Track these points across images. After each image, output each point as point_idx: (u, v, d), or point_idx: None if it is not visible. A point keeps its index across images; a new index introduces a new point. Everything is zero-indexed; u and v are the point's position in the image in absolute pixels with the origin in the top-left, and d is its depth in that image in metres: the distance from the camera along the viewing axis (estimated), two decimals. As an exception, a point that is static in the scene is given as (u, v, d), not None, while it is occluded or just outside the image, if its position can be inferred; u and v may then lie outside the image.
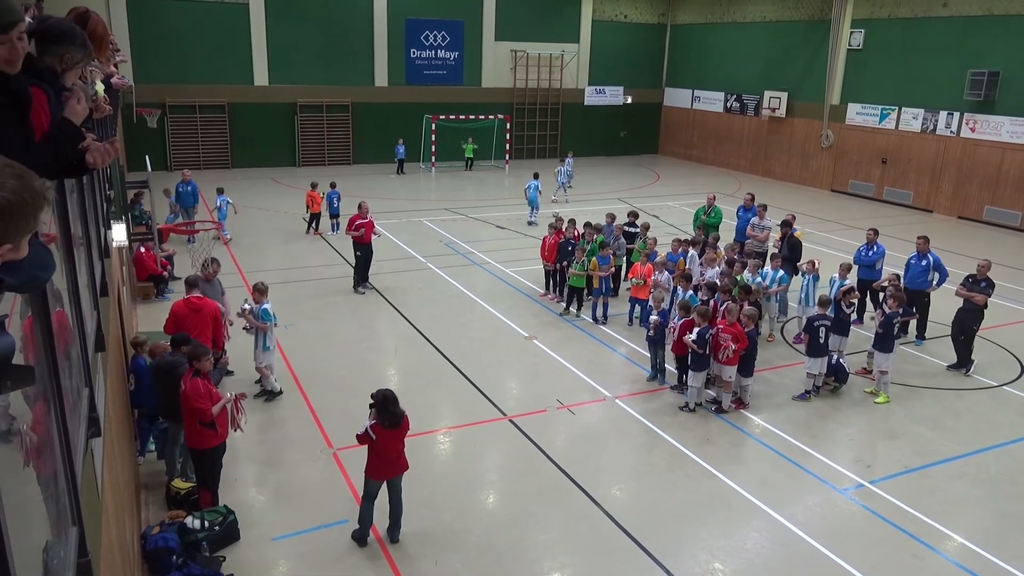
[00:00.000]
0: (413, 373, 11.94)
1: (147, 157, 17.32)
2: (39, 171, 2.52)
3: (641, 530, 8.05)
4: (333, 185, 20.27)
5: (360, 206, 15.44)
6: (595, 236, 14.98)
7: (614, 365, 12.49)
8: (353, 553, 7.58)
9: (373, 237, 15.40)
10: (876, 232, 14.32)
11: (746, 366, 10.75)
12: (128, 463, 7.23)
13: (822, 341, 11.15)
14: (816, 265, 13.60)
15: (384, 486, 7.67)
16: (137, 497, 7.93)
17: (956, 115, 24.86)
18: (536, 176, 22.42)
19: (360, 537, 7.68)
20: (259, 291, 10.66)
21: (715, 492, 8.86)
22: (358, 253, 15.38)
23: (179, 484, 8.25)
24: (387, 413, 7.40)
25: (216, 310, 10.13)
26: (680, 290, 12.38)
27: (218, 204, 18.91)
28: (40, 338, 2.61)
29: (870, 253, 14.06)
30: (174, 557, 7.04)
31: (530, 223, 21.53)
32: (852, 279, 13.10)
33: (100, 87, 8.38)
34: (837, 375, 11.47)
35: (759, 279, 13.12)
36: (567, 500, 8.62)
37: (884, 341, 11.20)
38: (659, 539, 7.93)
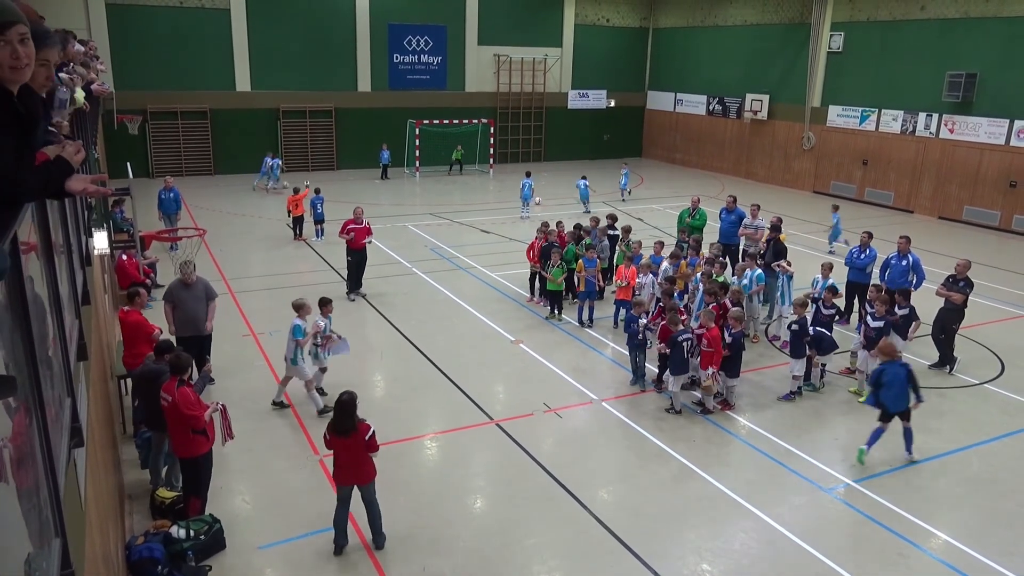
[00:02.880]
0: (399, 379, 11.92)
1: (128, 164, 17.23)
2: (25, 189, 2.53)
3: (629, 533, 8.07)
4: (317, 191, 20.22)
5: (355, 211, 15.42)
6: (583, 239, 15.01)
7: (600, 368, 12.51)
8: (340, 560, 7.54)
9: (366, 243, 15.32)
10: (870, 235, 13.99)
11: (732, 367, 10.82)
12: (112, 473, 7.16)
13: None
14: (788, 266, 13.70)
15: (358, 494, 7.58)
16: (121, 507, 7.85)
17: (935, 116, 25.14)
18: (583, 177, 24.46)
19: (335, 544, 7.60)
20: (296, 308, 10.53)
21: (702, 493, 8.90)
22: (349, 259, 15.33)
23: (164, 493, 8.18)
24: (336, 419, 7.29)
25: (133, 325, 9.63)
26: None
27: (270, 165, 25.26)
28: (21, 347, 2.58)
29: (862, 256, 13.79)
30: (159, 567, 6.97)
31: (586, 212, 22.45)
32: (834, 278, 13.14)
33: (80, 94, 8.31)
34: (819, 345, 11.42)
35: (744, 281, 13.16)
36: (555, 504, 8.62)
37: (873, 344, 11.23)
38: (647, 541, 7.95)
